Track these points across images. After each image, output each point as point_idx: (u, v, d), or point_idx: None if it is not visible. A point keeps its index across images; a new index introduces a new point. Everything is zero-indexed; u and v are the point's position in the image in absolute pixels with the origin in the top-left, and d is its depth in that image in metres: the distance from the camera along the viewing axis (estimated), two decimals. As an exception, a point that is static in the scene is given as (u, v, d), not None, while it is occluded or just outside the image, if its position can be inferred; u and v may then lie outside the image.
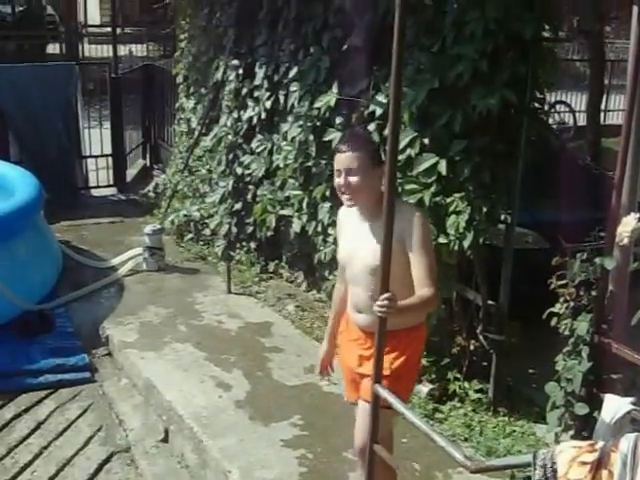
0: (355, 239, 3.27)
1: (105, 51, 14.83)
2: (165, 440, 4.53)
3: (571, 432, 3.82)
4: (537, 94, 4.40)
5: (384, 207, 2.52)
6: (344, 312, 3.58)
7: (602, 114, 10.73)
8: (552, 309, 3.85)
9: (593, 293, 3.72)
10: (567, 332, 3.79)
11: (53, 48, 17.35)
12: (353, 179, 3.14)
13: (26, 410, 4.76)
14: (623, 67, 13.26)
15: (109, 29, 13.96)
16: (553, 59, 4.62)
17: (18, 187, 6.36)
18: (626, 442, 2.03)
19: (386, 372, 2.97)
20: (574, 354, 3.76)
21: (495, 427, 4.42)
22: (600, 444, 2.09)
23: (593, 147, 9.07)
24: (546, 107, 4.80)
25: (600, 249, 3.70)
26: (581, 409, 3.72)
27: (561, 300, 3.82)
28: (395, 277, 2.68)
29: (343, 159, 3.16)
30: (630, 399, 3.09)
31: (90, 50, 17.20)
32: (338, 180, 3.19)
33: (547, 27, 4.29)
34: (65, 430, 4.58)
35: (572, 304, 3.78)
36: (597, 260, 3.64)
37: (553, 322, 3.86)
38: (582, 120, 11.45)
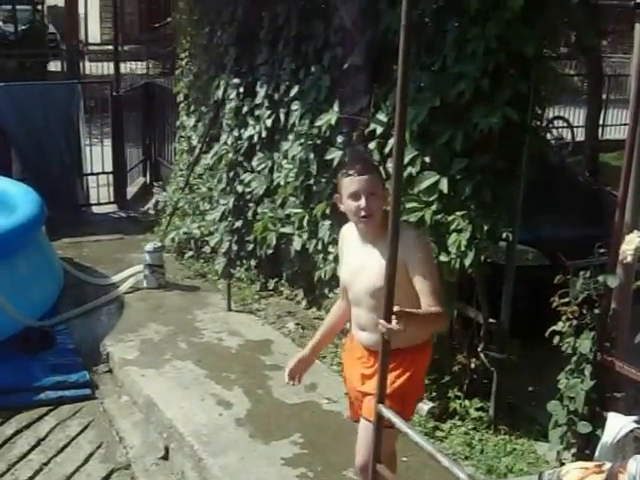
0: (357, 260, 3.27)
1: (105, 69, 14.85)
2: (165, 458, 4.51)
3: (573, 450, 3.81)
4: (537, 111, 4.42)
5: (389, 227, 2.51)
6: (338, 327, 3.61)
7: (600, 129, 10.75)
8: (554, 327, 3.85)
9: (596, 311, 3.72)
10: (570, 350, 3.78)
11: (55, 66, 17.38)
12: (375, 202, 3.14)
13: (27, 426, 4.74)
14: (621, 82, 13.35)
15: (109, 47, 13.99)
16: (554, 76, 4.63)
17: (20, 204, 6.37)
18: (634, 463, 2.02)
19: (388, 390, 2.95)
20: (577, 372, 3.76)
21: (496, 445, 4.40)
22: (607, 465, 2.08)
23: (591, 162, 9.10)
24: (544, 123, 4.81)
25: (602, 266, 3.71)
26: (584, 427, 3.71)
27: (563, 318, 3.82)
28: (398, 299, 2.67)
29: (365, 182, 3.14)
30: (633, 418, 3.09)
31: (91, 68, 17.23)
32: (357, 203, 3.14)
33: (547, 44, 4.31)
34: (65, 447, 4.56)
35: (574, 322, 3.77)
36: (600, 278, 3.64)
37: (555, 340, 3.86)
38: (580, 135, 11.47)
